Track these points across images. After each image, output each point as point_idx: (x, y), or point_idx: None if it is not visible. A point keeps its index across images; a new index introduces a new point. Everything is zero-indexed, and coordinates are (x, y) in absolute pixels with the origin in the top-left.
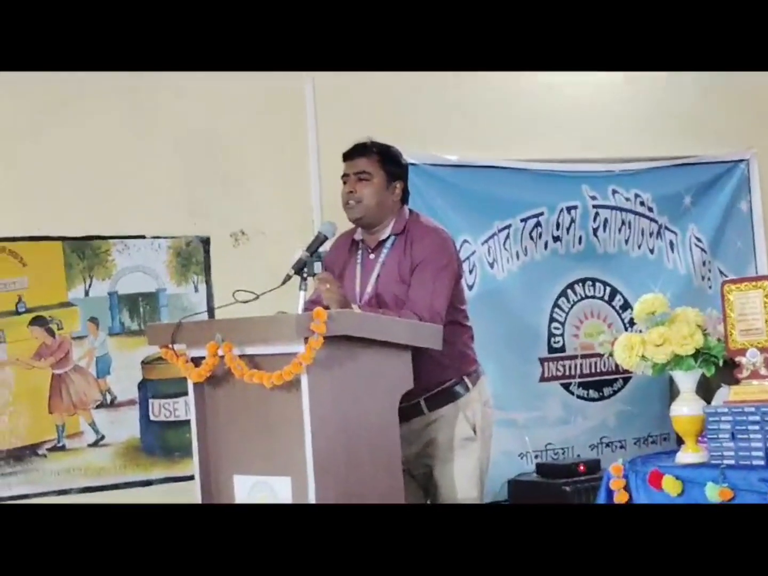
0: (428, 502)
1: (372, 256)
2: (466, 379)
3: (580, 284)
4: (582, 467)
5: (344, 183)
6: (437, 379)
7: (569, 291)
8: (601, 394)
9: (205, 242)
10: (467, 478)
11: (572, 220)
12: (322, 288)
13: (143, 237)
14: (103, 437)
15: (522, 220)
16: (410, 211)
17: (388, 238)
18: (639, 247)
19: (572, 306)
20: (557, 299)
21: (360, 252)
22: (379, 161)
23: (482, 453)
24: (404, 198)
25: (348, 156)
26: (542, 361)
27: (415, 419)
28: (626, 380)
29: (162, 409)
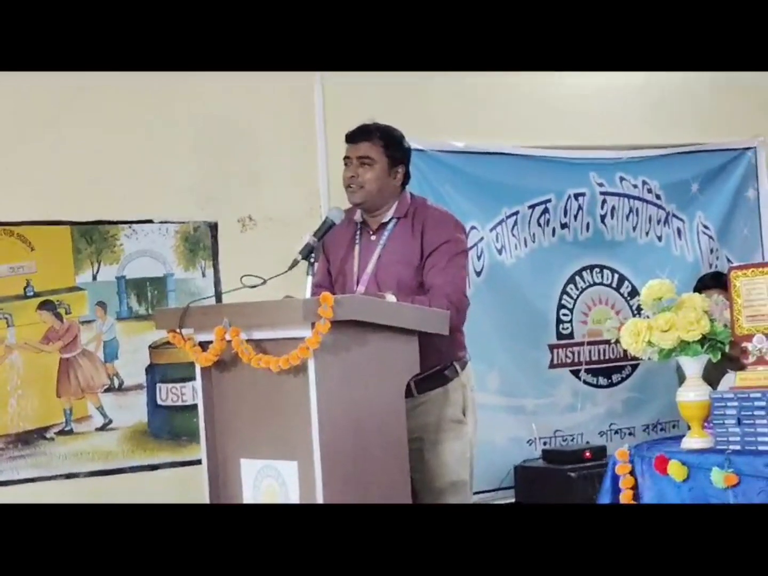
0: (415, 483)
1: (373, 237)
2: (456, 364)
3: (588, 271)
4: (588, 453)
5: (345, 165)
6: (431, 363)
7: (577, 278)
8: (610, 380)
9: (213, 227)
10: (457, 459)
11: (580, 207)
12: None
13: (151, 222)
14: (110, 421)
15: (530, 207)
16: (411, 194)
17: (390, 220)
18: (646, 234)
19: (580, 293)
20: (565, 286)
21: (359, 233)
22: (382, 146)
23: (472, 437)
24: (405, 181)
25: (351, 138)
26: (551, 347)
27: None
28: (635, 367)
29: (169, 394)
